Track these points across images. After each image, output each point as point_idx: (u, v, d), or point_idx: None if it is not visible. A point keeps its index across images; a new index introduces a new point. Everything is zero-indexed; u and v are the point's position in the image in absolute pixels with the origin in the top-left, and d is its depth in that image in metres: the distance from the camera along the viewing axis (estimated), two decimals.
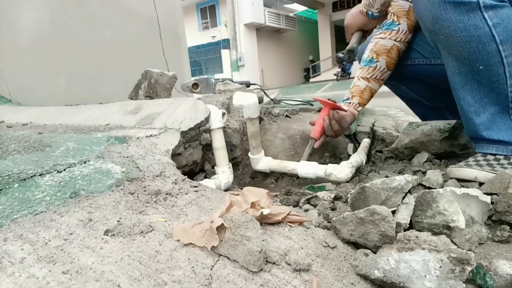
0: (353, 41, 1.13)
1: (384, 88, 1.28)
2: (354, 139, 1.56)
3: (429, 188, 0.78)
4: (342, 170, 1.04)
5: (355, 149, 1.42)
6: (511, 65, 0.77)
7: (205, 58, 14.14)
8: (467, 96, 0.84)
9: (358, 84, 1.19)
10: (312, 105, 1.96)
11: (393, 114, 2.68)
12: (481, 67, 0.79)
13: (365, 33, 1.15)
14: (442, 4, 0.78)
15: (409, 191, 0.57)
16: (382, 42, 1.13)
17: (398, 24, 1.10)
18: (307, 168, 1.11)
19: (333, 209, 0.72)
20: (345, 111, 1.17)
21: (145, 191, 0.68)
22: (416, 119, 1.45)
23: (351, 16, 1.13)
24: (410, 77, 1.19)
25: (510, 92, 0.78)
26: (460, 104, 0.87)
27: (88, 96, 2.20)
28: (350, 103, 1.20)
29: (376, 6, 1.03)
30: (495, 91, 0.80)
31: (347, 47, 1.13)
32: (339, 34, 14.89)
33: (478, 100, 0.83)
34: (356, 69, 1.27)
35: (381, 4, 1.02)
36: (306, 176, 1.13)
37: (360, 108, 1.21)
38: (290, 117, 1.52)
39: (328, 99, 1.19)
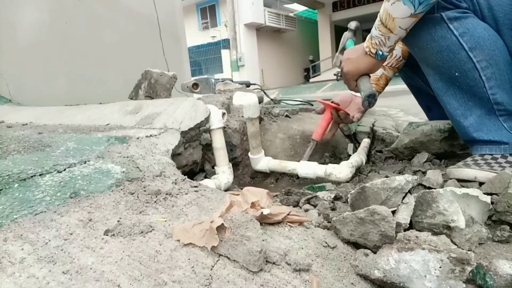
0: (366, 85, 0.96)
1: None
2: (354, 139, 1.56)
3: (429, 188, 0.78)
4: (342, 170, 1.04)
5: (355, 149, 1.42)
6: (485, 69, 0.79)
7: (205, 58, 14.13)
8: (451, 100, 0.86)
9: None
10: (312, 105, 1.96)
11: (393, 114, 2.68)
12: (456, 74, 0.82)
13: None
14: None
15: (409, 191, 0.57)
16: None
17: None
18: (307, 168, 1.11)
19: (333, 209, 0.72)
20: (348, 114, 1.17)
21: (145, 191, 0.68)
22: (416, 119, 1.45)
23: (352, 60, 0.96)
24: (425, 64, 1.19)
25: (491, 94, 0.80)
26: (446, 108, 0.89)
27: (88, 96, 2.20)
28: None
29: (389, 44, 0.86)
30: (476, 95, 0.82)
31: (366, 92, 0.95)
32: (339, 34, 14.86)
33: (463, 104, 0.85)
34: None
35: (396, 41, 0.85)
36: (306, 176, 1.13)
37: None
38: (290, 117, 1.52)
39: (332, 101, 1.19)
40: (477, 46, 0.78)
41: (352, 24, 1.24)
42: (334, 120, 1.21)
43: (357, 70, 0.96)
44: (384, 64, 1.15)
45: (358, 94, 1.16)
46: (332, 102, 1.19)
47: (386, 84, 1.21)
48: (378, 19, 0.84)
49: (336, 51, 1.29)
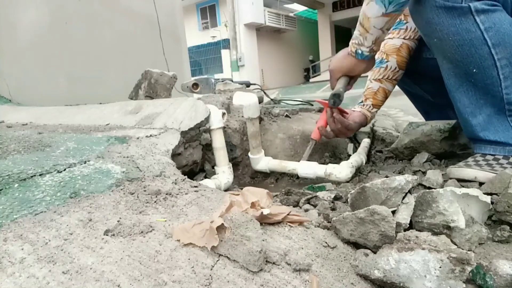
0: (338, 85, 1.01)
1: None
2: (354, 139, 1.56)
3: (429, 188, 0.78)
4: (342, 170, 1.04)
5: (355, 149, 1.42)
6: (504, 67, 0.77)
7: (205, 58, 14.12)
8: (462, 97, 0.85)
9: (371, 86, 1.18)
10: (312, 105, 1.96)
11: (393, 114, 2.68)
12: (474, 70, 0.80)
13: (351, 79, 1.04)
14: (434, 9, 0.79)
15: (409, 191, 0.57)
16: (391, 42, 1.13)
17: (406, 23, 1.10)
18: (307, 168, 1.11)
19: (333, 209, 0.72)
20: (346, 113, 1.16)
21: (145, 191, 0.68)
22: (416, 119, 1.45)
23: (337, 59, 1.02)
24: (419, 71, 1.18)
25: (505, 94, 0.78)
26: (456, 105, 0.88)
27: (88, 96, 2.20)
28: (363, 105, 1.19)
29: (367, 44, 0.90)
30: (490, 93, 0.80)
31: (333, 91, 1.01)
32: (339, 34, 14.90)
33: (474, 102, 0.83)
34: None
35: (373, 41, 0.89)
36: (306, 176, 1.13)
37: (374, 110, 1.20)
38: (290, 117, 1.52)
39: None
40: (501, 42, 0.76)
41: None
42: (330, 127, 1.18)
43: (339, 69, 1.01)
44: (380, 77, 1.16)
45: (356, 109, 1.17)
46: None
47: (386, 98, 1.20)
48: (358, 21, 0.89)
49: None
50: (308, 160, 1.17)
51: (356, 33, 0.91)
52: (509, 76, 0.77)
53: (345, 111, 1.17)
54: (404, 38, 1.11)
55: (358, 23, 0.89)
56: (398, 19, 1.11)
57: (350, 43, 0.95)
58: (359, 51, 0.93)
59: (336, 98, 1.01)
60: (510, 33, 0.76)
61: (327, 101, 1.16)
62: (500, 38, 0.76)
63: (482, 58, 0.78)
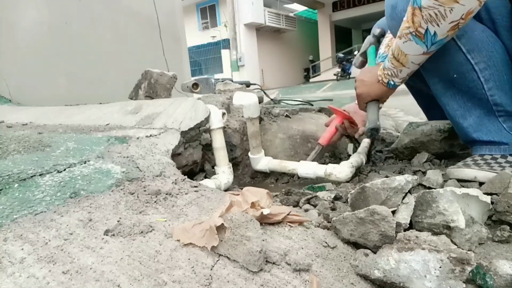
0: (373, 116, 0.99)
1: None
2: (354, 139, 1.56)
3: (429, 188, 0.78)
4: (342, 170, 1.04)
5: (355, 149, 1.42)
6: (483, 70, 0.79)
7: (205, 58, 14.13)
8: (450, 101, 0.87)
9: None
10: (312, 105, 1.96)
11: (393, 114, 2.68)
12: (455, 75, 0.82)
13: (380, 102, 1.04)
14: None
15: (409, 191, 0.57)
16: None
17: None
18: (307, 168, 1.11)
19: (333, 209, 0.72)
20: (356, 125, 1.16)
21: (145, 191, 0.68)
22: (416, 119, 1.45)
23: (365, 84, 1.00)
24: (422, 66, 1.18)
25: (490, 95, 0.80)
26: (446, 110, 0.89)
27: (88, 96, 2.20)
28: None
29: (401, 76, 0.88)
30: (475, 96, 0.82)
31: (370, 125, 0.98)
32: (339, 34, 14.91)
33: (462, 105, 0.85)
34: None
35: (408, 74, 0.87)
36: (306, 176, 1.13)
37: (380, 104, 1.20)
38: (290, 117, 1.52)
39: (343, 110, 1.18)
40: (475, 48, 0.78)
41: (376, 30, 1.19)
42: (340, 131, 1.18)
43: (368, 95, 0.99)
44: None
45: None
46: (344, 110, 1.18)
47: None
48: (390, 52, 0.86)
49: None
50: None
51: (389, 65, 0.88)
52: (490, 78, 0.79)
53: (354, 122, 1.16)
54: None
55: (391, 55, 0.86)
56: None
57: (381, 73, 0.93)
58: (391, 82, 0.92)
59: (374, 131, 0.99)
60: (482, 38, 0.78)
61: (341, 110, 1.15)
62: (474, 44, 0.78)
63: (459, 64, 0.80)
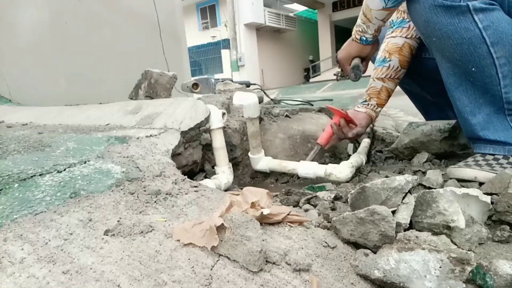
0: (354, 61, 1.08)
1: None
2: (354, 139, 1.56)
3: (429, 188, 0.78)
4: (342, 170, 1.04)
5: (355, 149, 1.42)
6: (503, 66, 0.77)
7: (205, 58, 14.12)
8: (462, 96, 0.85)
9: (374, 85, 1.17)
10: (312, 105, 1.96)
11: (393, 114, 2.68)
12: (473, 69, 0.80)
13: (362, 60, 1.11)
14: (433, 8, 0.80)
15: (409, 191, 0.57)
16: (394, 41, 1.13)
17: (409, 21, 1.10)
18: (307, 168, 1.11)
19: (333, 209, 0.72)
20: (356, 124, 1.15)
21: (145, 191, 0.68)
22: (416, 119, 1.46)
23: (343, 49, 1.10)
24: (418, 71, 1.18)
25: (504, 93, 0.79)
26: (455, 104, 0.88)
27: (88, 96, 2.20)
28: (368, 104, 1.18)
29: (370, 31, 0.98)
30: (489, 92, 0.80)
31: (351, 65, 1.08)
32: (339, 34, 14.89)
33: (473, 101, 0.83)
34: None
35: (375, 29, 0.98)
36: (306, 176, 1.13)
37: (378, 109, 1.19)
38: (290, 117, 1.52)
39: (341, 109, 1.18)
40: (500, 41, 0.76)
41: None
42: (336, 134, 1.18)
43: (348, 55, 1.09)
44: (383, 76, 1.16)
45: (360, 109, 1.17)
46: (342, 110, 1.17)
47: (389, 96, 1.19)
48: (361, 9, 0.96)
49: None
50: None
51: (359, 21, 0.98)
52: (508, 75, 0.78)
53: (352, 121, 1.15)
54: (406, 37, 1.11)
55: (361, 12, 0.95)
56: (402, 18, 1.12)
57: (354, 31, 1.03)
58: (364, 38, 1.01)
59: (356, 70, 1.07)
60: (508, 31, 0.76)
61: (339, 109, 1.15)
62: (499, 36, 0.76)
63: (481, 57, 0.78)
